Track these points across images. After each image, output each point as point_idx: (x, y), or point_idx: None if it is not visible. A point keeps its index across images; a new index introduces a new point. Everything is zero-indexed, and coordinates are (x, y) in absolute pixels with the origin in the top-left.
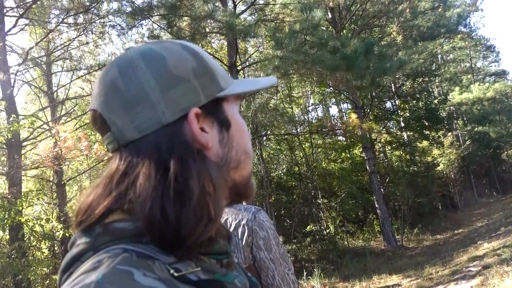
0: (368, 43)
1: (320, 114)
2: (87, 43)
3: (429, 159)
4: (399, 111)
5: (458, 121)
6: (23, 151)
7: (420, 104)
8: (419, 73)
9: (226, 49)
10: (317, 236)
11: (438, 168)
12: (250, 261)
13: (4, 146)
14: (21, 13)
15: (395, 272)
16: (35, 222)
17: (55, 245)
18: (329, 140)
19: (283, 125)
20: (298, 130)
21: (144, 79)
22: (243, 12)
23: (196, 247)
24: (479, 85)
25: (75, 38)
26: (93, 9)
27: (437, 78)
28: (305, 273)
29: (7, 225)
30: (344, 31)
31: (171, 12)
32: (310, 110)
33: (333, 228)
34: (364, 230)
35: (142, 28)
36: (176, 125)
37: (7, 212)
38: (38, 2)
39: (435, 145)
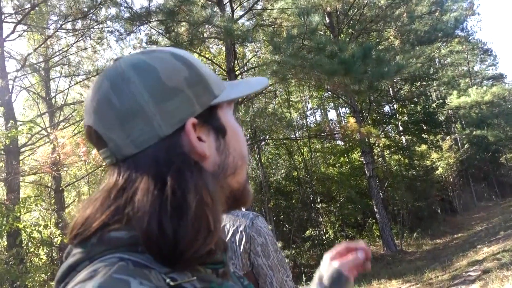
0: (366, 48)
1: (318, 118)
2: (85, 48)
3: (428, 163)
4: (397, 115)
5: (456, 125)
6: (21, 157)
7: (418, 108)
8: (417, 77)
9: (224, 54)
10: (316, 241)
11: (437, 172)
12: (248, 268)
13: (2, 152)
14: (19, 19)
15: (394, 277)
16: (33, 228)
17: (53, 251)
18: (327, 144)
19: (281, 130)
20: (297, 134)
21: (137, 92)
22: (241, 17)
23: (195, 260)
24: (476, 88)
25: (73, 44)
26: (91, 15)
27: (435, 82)
28: (304, 278)
29: (5, 231)
30: (342, 35)
31: (169, 17)
32: (309, 115)
33: (332, 233)
34: (364, 235)
35: (140, 34)
36: (173, 137)
37: (5, 218)
38: (37, 8)
39: (433, 149)
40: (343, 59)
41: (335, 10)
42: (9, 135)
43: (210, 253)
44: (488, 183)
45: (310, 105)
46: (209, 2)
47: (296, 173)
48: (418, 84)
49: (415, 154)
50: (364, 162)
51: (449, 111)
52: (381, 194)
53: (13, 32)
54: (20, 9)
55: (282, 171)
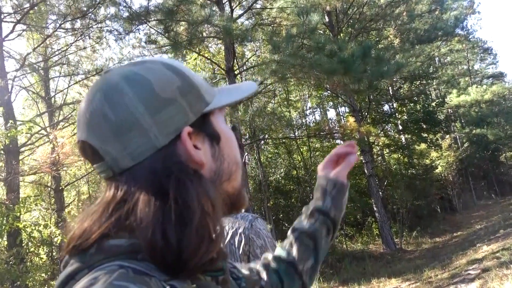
0: (366, 47)
1: (317, 117)
2: (85, 48)
3: (427, 161)
4: (396, 114)
5: (456, 124)
6: (20, 157)
7: (418, 107)
8: (417, 76)
9: (223, 54)
10: None
11: (436, 170)
12: None
13: (2, 152)
14: (18, 18)
15: (394, 276)
16: (33, 228)
17: (54, 250)
18: (327, 143)
19: (280, 129)
20: (296, 134)
21: (132, 105)
22: (240, 16)
23: (198, 269)
24: (476, 87)
25: (72, 43)
26: (90, 14)
27: (434, 80)
28: None
29: (5, 231)
30: (341, 34)
31: (168, 17)
32: (308, 114)
33: None
34: (363, 234)
35: (139, 33)
36: (169, 147)
37: (5, 218)
38: (35, 8)
39: (433, 147)
40: (343, 58)
41: (335, 9)
42: (8, 134)
43: (212, 261)
44: (488, 182)
45: (309, 104)
46: (208, 2)
47: (295, 172)
48: (417, 83)
49: (414, 153)
50: (363, 161)
51: (449, 110)
52: (380, 193)
53: (12, 31)
54: (19, 9)
55: (282, 170)
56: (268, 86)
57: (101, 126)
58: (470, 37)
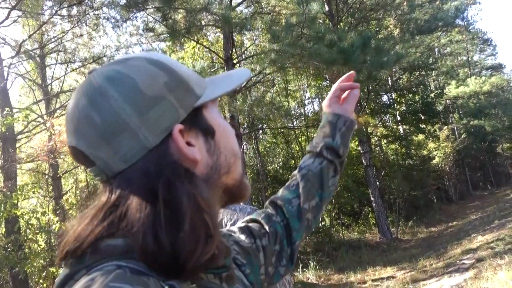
0: (365, 37)
1: (316, 107)
2: (81, 35)
3: (425, 152)
4: (395, 105)
5: (454, 115)
6: (17, 145)
7: (417, 97)
8: (416, 66)
9: (222, 42)
10: (313, 229)
11: (434, 161)
12: None
13: None
14: (13, 4)
15: (389, 264)
16: (31, 215)
17: (52, 237)
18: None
19: (279, 119)
20: (294, 123)
21: (118, 107)
22: (239, 4)
23: (197, 270)
24: (475, 78)
25: (68, 30)
26: (87, 1)
27: (433, 71)
28: (300, 265)
29: (3, 218)
30: (341, 24)
31: (166, 4)
32: (307, 104)
33: (328, 221)
34: (359, 223)
35: (137, 21)
36: (161, 147)
37: (2, 205)
38: None
39: (430, 138)
40: (342, 48)
41: None
42: (5, 122)
43: (212, 258)
44: (484, 173)
45: (308, 94)
46: None
47: (293, 161)
48: (417, 74)
49: (412, 144)
50: (361, 151)
51: (447, 101)
52: (377, 183)
53: (7, 18)
54: None
55: (280, 159)
56: (267, 76)
57: (88, 132)
58: (470, 28)
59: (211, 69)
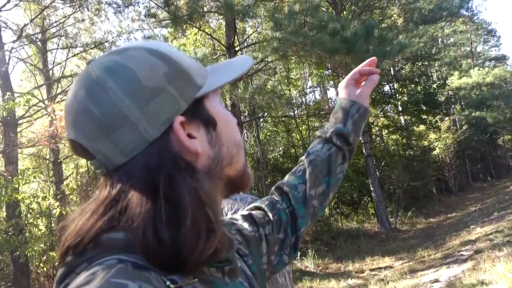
0: (369, 26)
1: (317, 96)
2: (83, 20)
3: (426, 143)
4: (397, 95)
5: (456, 106)
6: (19, 129)
7: (419, 88)
8: (419, 56)
9: (224, 29)
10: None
11: (434, 152)
12: None
13: (0, 124)
14: None
15: (388, 254)
16: (32, 199)
17: (52, 222)
18: (326, 123)
19: (280, 107)
20: (296, 112)
21: (117, 99)
22: None
23: (200, 264)
24: (478, 69)
25: (70, 15)
26: None
27: (436, 62)
28: (299, 254)
29: (4, 202)
30: (344, 12)
31: None
32: (308, 93)
33: (327, 210)
34: (359, 213)
35: (139, 6)
36: (162, 140)
37: (3, 190)
38: None
39: (432, 129)
40: (345, 38)
41: None
42: (6, 107)
43: (215, 252)
44: (484, 164)
45: (309, 83)
46: None
47: (293, 150)
48: (419, 64)
49: (413, 134)
50: (362, 141)
51: (449, 92)
52: (377, 173)
53: (8, 1)
54: None
55: (280, 148)
56: (269, 64)
57: (87, 125)
58: (474, 18)
59: (213, 56)
